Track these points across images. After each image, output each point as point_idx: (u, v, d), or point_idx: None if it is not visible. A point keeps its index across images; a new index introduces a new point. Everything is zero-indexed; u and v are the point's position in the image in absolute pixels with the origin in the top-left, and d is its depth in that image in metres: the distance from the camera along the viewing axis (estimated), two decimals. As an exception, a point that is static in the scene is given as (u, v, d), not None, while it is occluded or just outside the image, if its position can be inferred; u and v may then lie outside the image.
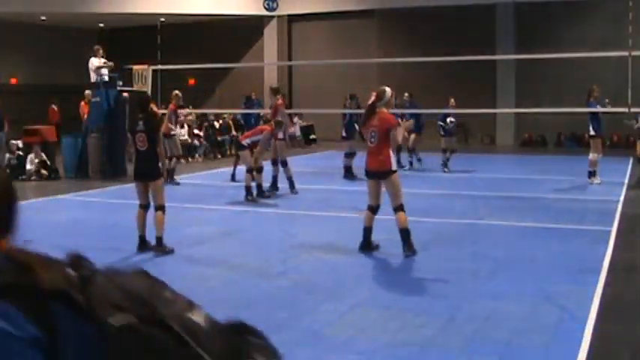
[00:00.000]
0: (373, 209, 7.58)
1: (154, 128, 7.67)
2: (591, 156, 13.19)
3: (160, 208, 7.63)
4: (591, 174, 13.22)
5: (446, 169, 15.36)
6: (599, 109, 13.02)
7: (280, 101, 12.50)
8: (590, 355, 4.58)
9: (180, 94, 14.26)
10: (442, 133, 15.64)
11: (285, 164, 12.27)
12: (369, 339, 4.90)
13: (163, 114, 14.09)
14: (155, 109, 8.03)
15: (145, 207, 7.73)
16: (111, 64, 14.92)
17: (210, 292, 6.13)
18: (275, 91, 12.74)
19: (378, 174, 7.47)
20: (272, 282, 6.47)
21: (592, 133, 13.28)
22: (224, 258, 7.53)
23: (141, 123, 7.74)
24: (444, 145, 15.55)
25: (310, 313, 5.47)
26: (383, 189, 7.58)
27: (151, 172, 7.64)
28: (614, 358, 4.70)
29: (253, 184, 11.54)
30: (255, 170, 11.56)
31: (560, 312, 5.48)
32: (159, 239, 7.62)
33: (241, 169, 13.69)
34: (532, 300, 5.78)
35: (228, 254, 7.73)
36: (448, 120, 15.52)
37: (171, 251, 7.61)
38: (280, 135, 12.18)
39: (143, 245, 7.69)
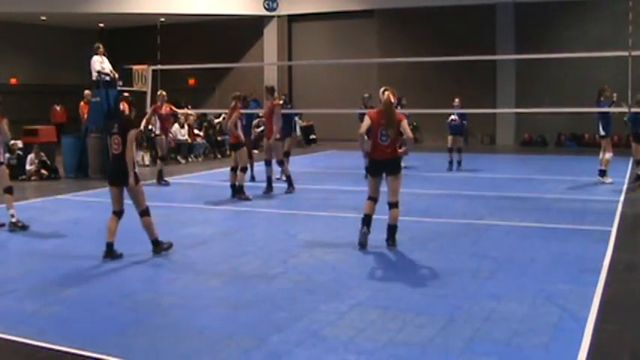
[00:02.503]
0: (375, 200, 7.74)
1: (127, 131, 7.32)
2: (607, 155, 13.15)
3: (144, 212, 7.40)
4: (603, 173, 13.21)
5: (451, 168, 15.55)
6: (607, 109, 12.98)
7: (277, 101, 12.49)
8: (590, 355, 4.58)
9: (164, 94, 14.07)
10: (449, 131, 15.73)
11: (281, 163, 12.34)
12: (369, 339, 4.90)
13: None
14: (127, 109, 7.71)
15: (118, 214, 7.43)
16: (115, 75, 15.00)
17: (210, 292, 6.14)
18: (271, 91, 12.66)
19: (390, 169, 7.65)
20: (272, 282, 6.46)
21: (602, 133, 13.26)
22: (224, 258, 7.53)
23: (115, 125, 7.45)
24: (449, 144, 15.66)
25: (310, 313, 5.47)
26: None
27: (126, 178, 7.28)
28: (614, 358, 4.70)
29: (245, 183, 11.80)
30: (241, 170, 11.69)
31: (560, 312, 5.47)
32: (155, 241, 7.49)
33: (259, 170, 13.77)
34: (532, 300, 5.77)
35: (228, 254, 7.73)
36: (450, 119, 15.59)
37: (170, 246, 7.58)
38: (277, 135, 12.19)
39: (110, 253, 7.31)
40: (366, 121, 7.68)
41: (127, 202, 7.53)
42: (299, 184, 12.70)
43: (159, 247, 7.52)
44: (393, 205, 7.68)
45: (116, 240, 7.36)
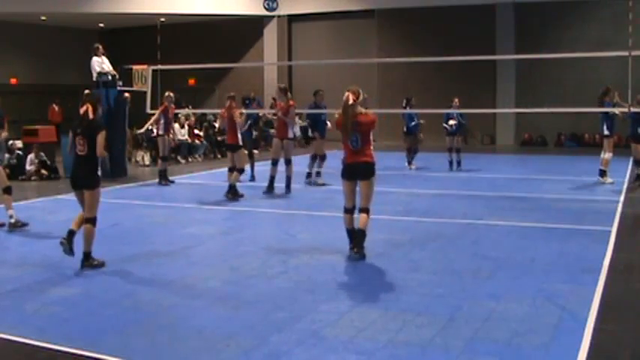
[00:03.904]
0: (352, 211, 7.50)
1: (92, 132, 6.97)
2: (607, 155, 13.18)
3: (91, 220, 6.95)
4: (603, 173, 13.22)
5: (451, 168, 15.59)
6: (611, 109, 13.01)
7: (292, 102, 12.55)
8: (590, 355, 4.58)
9: (171, 95, 14.07)
10: (446, 132, 15.79)
11: (288, 162, 12.31)
12: (369, 339, 4.90)
13: (152, 114, 14.15)
14: (90, 112, 7.28)
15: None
16: (115, 73, 15.02)
17: (210, 292, 6.14)
18: (284, 91, 12.72)
19: (364, 174, 7.37)
20: (272, 282, 6.46)
21: (606, 132, 13.28)
22: (224, 258, 7.53)
23: (81, 125, 7.08)
24: (448, 145, 15.74)
25: (310, 313, 5.46)
26: None
27: (87, 180, 7.00)
28: (614, 358, 4.70)
29: (245, 183, 11.95)
30: (237, 170, 11.71)
31: (560, 312, 5.47)
32: (87, 254, 6.96)
33: (259, 170, 13.78)
34: (532, 300, 5.77)
35: (227, 254, 7.74)
36: (451, 122, 15.60)
37: (101, 265, 6.99)
38: (290, 134, 12.28)
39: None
40: (335, 128, 7.46)
41: (120, 201, 7.52)
42: (299, 184, 12.68)
43: (89, 261, 6.96)
44: (364, 210, 7.32)
45: (117, 238, 7.35)
